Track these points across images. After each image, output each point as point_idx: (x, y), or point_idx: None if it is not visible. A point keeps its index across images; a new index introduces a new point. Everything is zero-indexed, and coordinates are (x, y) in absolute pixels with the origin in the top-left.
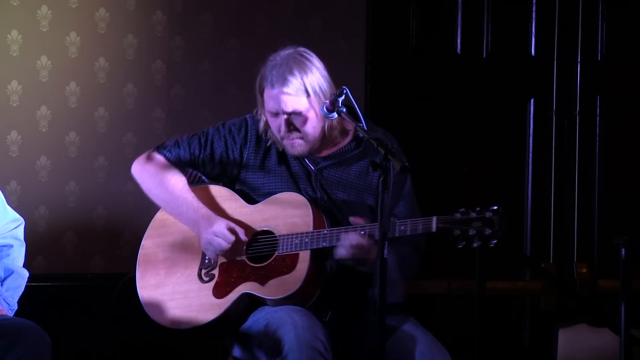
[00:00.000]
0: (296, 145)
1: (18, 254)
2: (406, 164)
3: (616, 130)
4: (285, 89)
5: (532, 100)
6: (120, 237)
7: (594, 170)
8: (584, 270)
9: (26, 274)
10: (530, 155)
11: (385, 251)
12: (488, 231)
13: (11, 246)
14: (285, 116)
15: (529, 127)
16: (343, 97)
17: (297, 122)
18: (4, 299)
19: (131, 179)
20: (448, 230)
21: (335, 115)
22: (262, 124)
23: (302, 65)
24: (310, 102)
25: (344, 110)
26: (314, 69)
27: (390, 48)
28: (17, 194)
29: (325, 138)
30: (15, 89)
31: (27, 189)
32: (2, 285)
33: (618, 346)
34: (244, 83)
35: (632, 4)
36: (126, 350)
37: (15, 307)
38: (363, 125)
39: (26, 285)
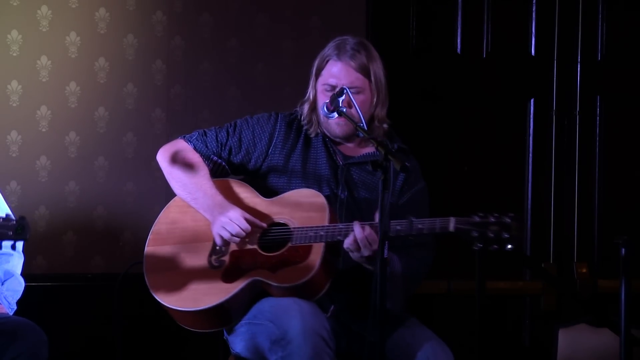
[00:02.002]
0: (342, 124)
1: (17, 262)
2: (406, 164)
3: (616, 130)
4: (352, 62)
5: (532, 100)
6: (120, 237)
7: (594, 170)
8: (584, 270)
9: (23, 282)
10: (530, 155)
11: (385, 251)
12: (505, 235)
13: (11, 254)
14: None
15: (529, 127)
16: (343, 97)
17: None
18: (4, 297)
19: (131, 178)
20: (466, 231)
21: (335, 115)
22: (306, 108)
23: (369, 51)
24: (367, 85)
25: (344, 110)
26: (378, 60)
27: (390, 48)
28: (17, 194)
29: (363, 137)
30: (15, 89)
31: (27, 189)
32: (2, 284)
33: (618, 346)
34: (244, 83)
35: (632, 4)
36: (126, 350)
37: (15, 307)
38: (363, 126)
39: (26, 285)
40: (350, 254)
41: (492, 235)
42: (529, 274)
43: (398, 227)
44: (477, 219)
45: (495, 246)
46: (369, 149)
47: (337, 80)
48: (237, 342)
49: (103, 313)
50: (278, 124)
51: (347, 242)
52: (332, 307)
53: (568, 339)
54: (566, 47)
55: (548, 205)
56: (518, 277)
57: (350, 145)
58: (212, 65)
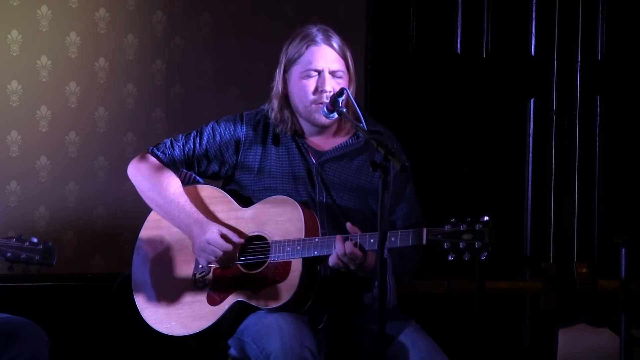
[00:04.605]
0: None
1: None
2: (406, 163)
3: (616, 130)
4: (334, 44)
5: (532, 100)
6: (120, 237)
7: (594, 170)
8: (584, 270)
9: None
10: (530, 155)
11: (385, 251)
12: (478, 244)
13: None
14: (327, 74)
15: (529, 127)
16: (343, 97)
17: (332, 84)
18: None
19: None
20: (438, 242)
21: (335, 115)
22: (276, 105)
23: (340, 37)
24: (346, 71)
25: (344, 110)
26: (349, 46)
27: (390, 48)
28: (17, 194)
29: (337, 128)
30: (15, 89)
31: (27, 189)
32: None
33: (618, 346)
34: (244, 83)
35: (632, 4)
36: (125, 350)
37: None
38: (363, 126)
39: (26, 285)
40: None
41: (464, 245)
42: (529, 274)
43: (372, 240)
44: (448, 227)
45: (469, 256)
46: (340, 139)
47: (323, 63)
48: (232, 349)
49: (103, 313)
50: (245, 128)
51: (332, 261)
52: (326, 316)
53: (568, 339)
54: (566, 47)
55: (548, 205)
56: (518, 277)
57: (321, 138)
58: (212, 65)
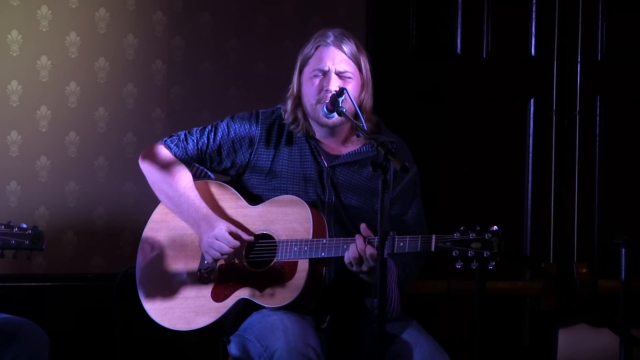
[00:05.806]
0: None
1: None
2: (406, 163)
3: (616, 130)
4: (344, 47)
5: (532, 100)
6: (120, 237)
7: (594, 170)
8: (584, 270)
9: None
10: (530, 155)
11: (385, 251)
12: (487, 253)
13: None
14: (333, 74)
15: (529, 127)
16: (343, 97)
17: (339, 84)
18: None
19: (131, 178)
20: (446, 250)
21: (335, 115)
22: (289, 105)
23: (357, 42)
24: (357, 74)
25: (344, 110)
26: (366, 54)
27: (390, 48)
28: (17, 194)
29: (349, 133)
30: (15, 89)
31: (27, 189)
32: None
33: (618, 346)
34: (244, 83)
35: (632, 4)
36: (126, 350)
37: None
38: (363, 126)
39: (26, 285)
40: (350, 267)
41: (472, 254)
42: (529, 274)
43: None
44: (457, 235)
45: (477, 264)
46: (353, 146)
47: (330, 64)
48: (233, 347)
49: (103, 313)
50: (259, 126)
51: (350, 256)
52: (328, 317)
53: (568, 339)
54: (566, 47)
55: (548, 205)
56: (518, 277)
57: (333, 141)
58: (212, 65)
